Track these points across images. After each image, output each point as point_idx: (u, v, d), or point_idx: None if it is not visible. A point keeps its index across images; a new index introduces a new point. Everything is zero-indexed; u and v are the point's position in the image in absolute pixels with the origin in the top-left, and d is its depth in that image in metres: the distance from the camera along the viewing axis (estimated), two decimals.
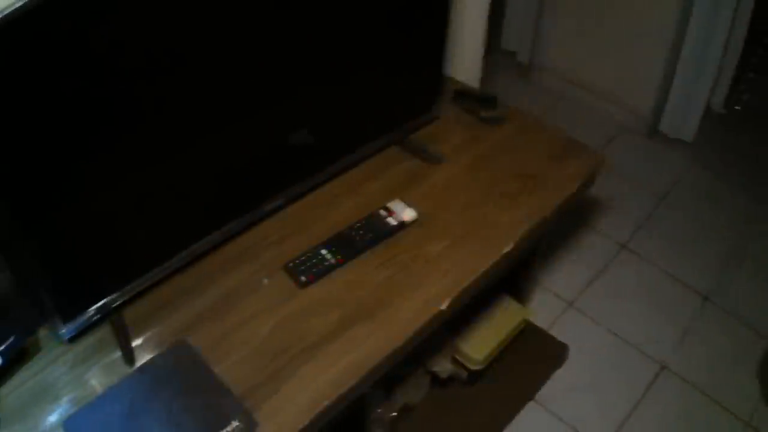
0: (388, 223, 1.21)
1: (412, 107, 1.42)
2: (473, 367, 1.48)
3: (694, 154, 2.52)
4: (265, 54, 1.05)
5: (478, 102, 1.52)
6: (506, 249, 1.20)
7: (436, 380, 1.53)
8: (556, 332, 1.82)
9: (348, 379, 0.99)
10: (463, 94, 1.55)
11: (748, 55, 2.65)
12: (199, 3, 0.91)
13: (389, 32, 1.25)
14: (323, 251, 1.16)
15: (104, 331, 1.04)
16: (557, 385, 1.72)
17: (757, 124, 2.72)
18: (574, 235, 2.16)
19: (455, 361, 1.50)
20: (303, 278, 1.11)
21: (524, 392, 1.63)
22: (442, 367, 1.48)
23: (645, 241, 2.15)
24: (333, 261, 1.14)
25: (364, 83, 1.27)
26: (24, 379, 0.98)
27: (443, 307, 1.10)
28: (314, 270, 1.12)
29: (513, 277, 1.62)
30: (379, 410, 1.39)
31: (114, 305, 1.01)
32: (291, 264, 1.13)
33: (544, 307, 1.88)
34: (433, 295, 1.11)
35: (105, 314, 1.01)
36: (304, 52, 1.10)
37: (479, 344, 1.47)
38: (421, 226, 1.23)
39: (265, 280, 1.12)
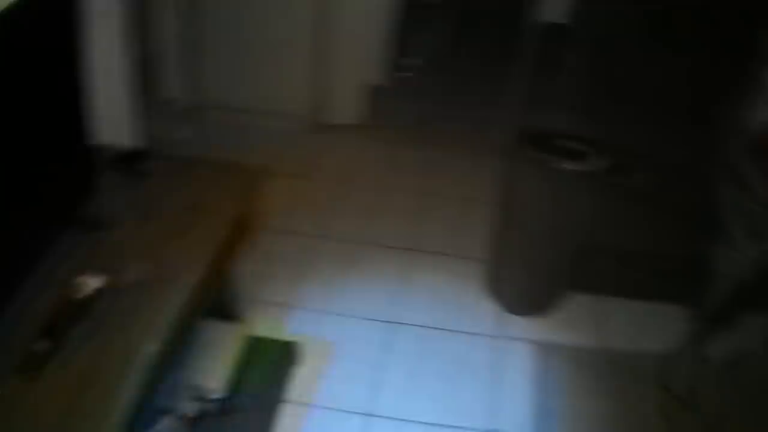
0: (82, 299, 1.34)
1: (69, 189, 1.51)
2: (217, 396, 1.68)
3: (361, 130, 3.05)
4: None
5: (131, 158, 1.72)
6: (194, 280, 1.40)
7: (192, 420, 1.66)
8: (284, 334, 2.10)
9: None
10: (118, 157, 1.71)
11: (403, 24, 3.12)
12: None
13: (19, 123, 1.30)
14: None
15: None
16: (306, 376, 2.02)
17: (424, 81, 3.35)
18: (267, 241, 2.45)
19: (198, 398, 1.67)
20: None
21: (276, 398, 1.88)
22: (188, 407, 1.64)
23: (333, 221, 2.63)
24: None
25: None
26: None
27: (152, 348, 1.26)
28: None
29: (221, 302, 1.87)
30: None
31: None
32: None
33: (264, 315, 2.15)
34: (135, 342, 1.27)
35: None
36: None
37: (213, 373, 1.69)
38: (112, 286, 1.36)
39: None
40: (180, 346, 1.47)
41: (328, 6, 2.79)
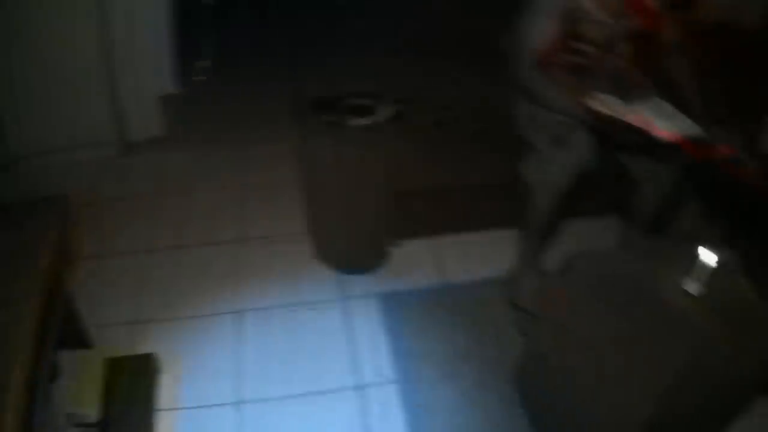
0: None
1: None
2: (93, 420, 1.76)
3: (169, 141, 3.16)
4: None
5: None
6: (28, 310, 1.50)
7: None
8: (140, 349, 2.19)
9: None
10: None
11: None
12: None
13: None
14: None
15: None
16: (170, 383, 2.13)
17: (224, 86, 3.51)
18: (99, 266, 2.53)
19: (76, 424, 1.75)
20: None
21: (148, 410, 1.99)
22: None
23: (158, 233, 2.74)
24: None
25: None
26: None
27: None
28: None
29: (71, 331, 1.92)
30: None
31: None
32: None
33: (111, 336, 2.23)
34: None
35: None
36: None
37: (83, 399, 1.77)
38: None
39: None
40: (43, 379, 1.57)
41: (108, 29, 2.81)
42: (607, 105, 2.14)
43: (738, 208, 2.80)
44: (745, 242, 2.75)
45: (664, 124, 2.10)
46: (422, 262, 2.68)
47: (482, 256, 2.69)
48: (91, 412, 1.75)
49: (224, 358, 2.26)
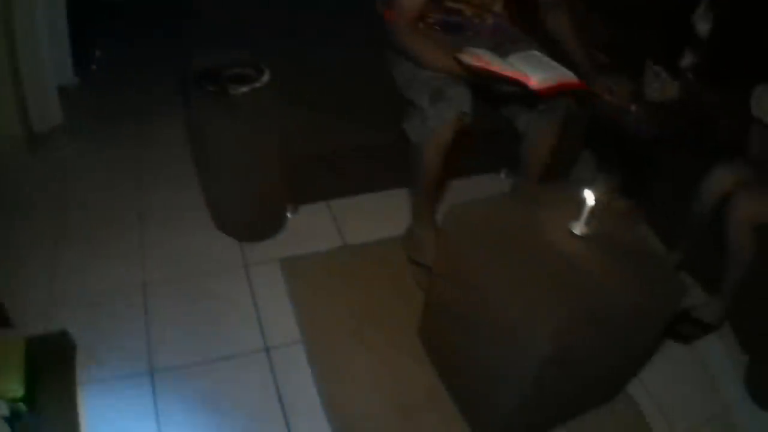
0: None
1: None
2: (18, 396, 1.91)
3: (71, 132, 3.30)
4: None
5: None
6: None
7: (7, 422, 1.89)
8: (54, 325, 2.34)
9: None
10: None
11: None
12: None
13: None
14: None
15: None
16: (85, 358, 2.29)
17: (115, 72, 3.72)
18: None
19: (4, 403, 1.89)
20: None
21: (71, 384, 2.16)
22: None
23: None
24: None
25: None
26: None
27: None
28: None
29: None
30: None
31: None
32: None
33: (26, 317, 2.37)
34: None
35: None
36: None
37: (7, 377, 1.94)
38: None
39: None
40: None
41: (10, 25, 2.89)
42: (481, 59, 2.33)
43: (628, 156, 3.22)
44: (637, 185, 3.17)
45: (539, 74, 2.30)
46: (321, 226, 2.92)
47: (379, 216, 2.96)
48: (17, 388, 1.98)
49: (135, 330, 2.43)
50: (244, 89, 2.46)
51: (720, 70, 3.00)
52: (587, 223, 2.04)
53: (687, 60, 3.10)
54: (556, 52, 2.64)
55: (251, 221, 2.82)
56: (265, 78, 2.51)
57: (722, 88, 2.94)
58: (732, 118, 2.78)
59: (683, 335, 2.65)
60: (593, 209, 2.00)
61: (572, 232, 2.04)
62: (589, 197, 2.00)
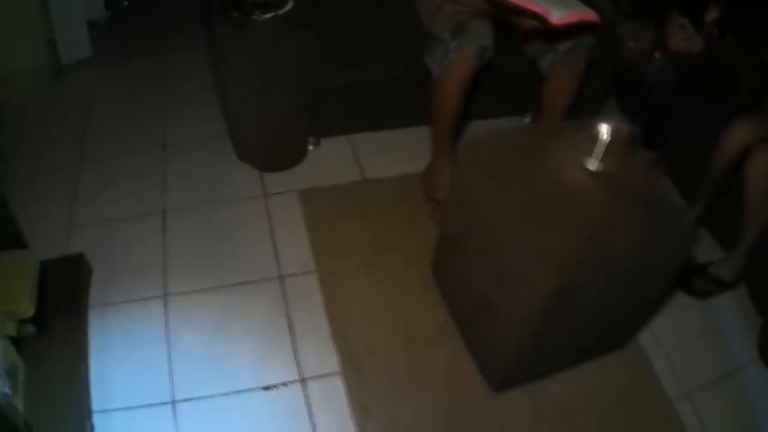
0: None
1: None
2: (27, 316, 1.96)
3: (99, 65, 3.32)
4: None
5: None
6: None
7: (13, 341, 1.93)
8: (72, 249, 2.39)
9: None
10: None
11: None
12: None
13: None
14: None
15: None
16: (100, 282, 2.35)
17: (145, 6, 3.69)
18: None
19: (12, 321, 1.93)
20: None
21: (81, 307, 2.20)
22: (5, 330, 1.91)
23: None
24: None
25: None
26: None
27: None
28: None
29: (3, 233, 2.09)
30: None
31: None
32: None
33: (45, 240, 2.41)
34: None
35: None
36: None
37: (19, 297, 1.95)
38: None
39: None
40: None
41: None
42: None
43: (651, 107, 3.10)
44: (659, 137, 3.07)
45: (561, 10, 2.23)
46: (341, 160, 2.90)
47: (399, 153, 2.93)
48: (26, 308, 2.01)
49: (152, 255, 2.46)
50: (268, 16, 2.41)
51: (743, 26, 2.85)
52: (601, 159, 1.99)
53: (712, 14, 2.96)
54: None
55: (272, 151, 2.81)
56: (289, 5, 2.45)
57: (745, 44, 2.79)
58: (754, 73, 2.64)
59: (699, 291, 2.57)
60: (608, 145, 1.96)
61: (586, 168, 1.99)
62: (605, 132, 1.95)
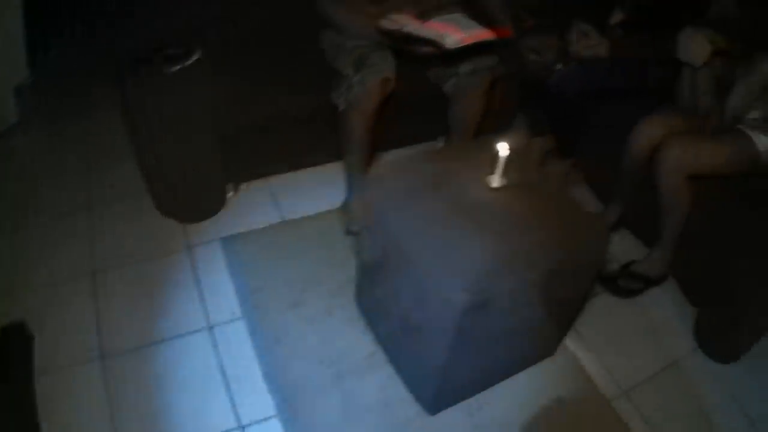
0: None
1: None
2: None
3: (24, 130, 3.27)
4: None
5: None
6: None
7: None
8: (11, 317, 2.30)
9: None
10: None
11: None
12: None
13: None
14: None
15: None
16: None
17: (69, 67, 3.67)
18: None
19: None
20: None
21: (30, 374, 2.10)
22: None
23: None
24: None
25: None
26: None
27: None
28: None
29: None
30: None
31: None
32: None
33: None
34: None
35: None
36: None
37: None
38: None
39: None
40: None
41: None
42: (397, 23, 2.37)
43: (561, 116, 3.17)
44: (571, 145, 3.13)
45: (456, 34, 2.33)
46: (260, 203, 2.92)
47: (316, 190, 2.97)
48: None
49: (86, 317, 2.45)
50: (176, 68, 2.43)
51: (648, 22, 2.95)
52: (505, 174, 2.04)
53: (616, 17, 3.05)
54: (481, 15, 2.61)
55: (191, 202, 2.80)
56: (195, 56, 2.48)
57: (651, 39, 2.88)
58: (661, 66, 2.72)
59: (625, 290, 2.62)
60: (513, 159, 2.01)
61: (489, 186, 2.06)
62: (503, 150, 1.99)
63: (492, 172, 2.04)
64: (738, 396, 2.40)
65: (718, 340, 2.48)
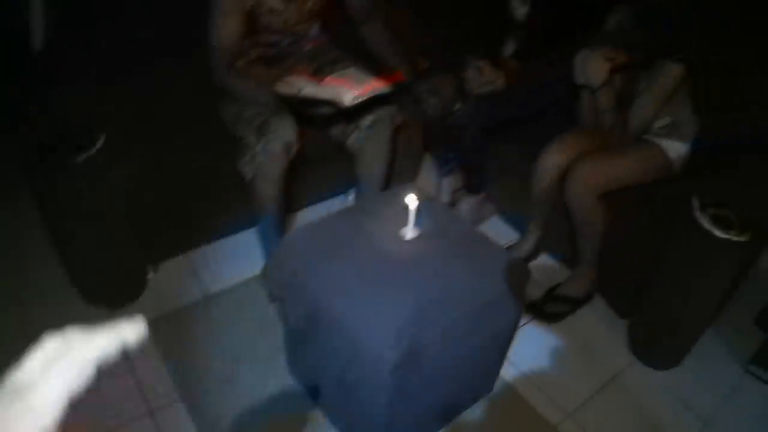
0: None
1: None
2: None
3: None
4: None
5: None
6: None
7: None
8: None
9: None
10: None
11: None
12: None
13: None
14: None
15: None
16: None
17: None
18: None
19: None
20: None
21: None
22: None
23: None
24: None
25: None
26: None
27: None
28: None
29: None
30: None
31: None
32: None
33: None
34: None
35: None
36: None
37: None
38: None
39: None
40: None
41: None
42: (293, 87, 2.42)
43: (468, 153, 3.22)
44: (482, 179, 3.18)
45: (351, 90, 2.40)
46: (181, 280, 2.88)
47: (237, 259, 2.95)
48: None
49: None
50: (81, 157, 2.38)
51: (542, 47, 3.03)
52: (415, 226, 2.08)
53: (509, 48, 3.13)
54: (376, 64, 2.70)
55: (112, 288, 2.75)
56: (100, 143, 2.43)
57: (548, 64, 2.97)
58: (563, 89, 2.80)
59: (552, 315, 2.67)
60: (423, 207, 2.06)
61: (401, 237, 2.10)
62: (412, 202, 2.02)
63: (404, 224, 2.08)
64: (686, 399, 2.48)
65: (655, 348, 2.55)
